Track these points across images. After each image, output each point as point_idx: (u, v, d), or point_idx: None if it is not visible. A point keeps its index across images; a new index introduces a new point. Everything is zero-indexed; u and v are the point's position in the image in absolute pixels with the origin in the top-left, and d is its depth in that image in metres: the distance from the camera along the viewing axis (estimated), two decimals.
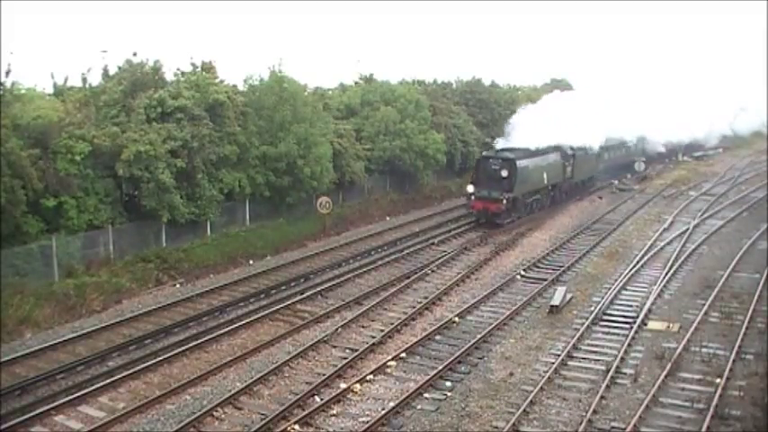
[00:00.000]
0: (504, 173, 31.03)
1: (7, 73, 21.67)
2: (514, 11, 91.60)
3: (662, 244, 28.35)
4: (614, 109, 36.03)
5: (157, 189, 23.13)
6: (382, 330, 18.80)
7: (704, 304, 20.63)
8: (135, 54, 25.99)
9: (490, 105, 46.06)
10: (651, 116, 38.43)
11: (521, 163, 31.63)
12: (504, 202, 30.73)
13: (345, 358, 16.88)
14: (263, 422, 13.62)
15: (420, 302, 21.09)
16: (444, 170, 40.68)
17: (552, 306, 20.39)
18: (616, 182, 44.79)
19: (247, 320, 19.39)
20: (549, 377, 15.71)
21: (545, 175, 34.37)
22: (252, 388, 15.27)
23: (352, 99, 37.31)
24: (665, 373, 15.82)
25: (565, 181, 37.29)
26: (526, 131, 33.55)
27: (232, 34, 58.52)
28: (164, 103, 24.47)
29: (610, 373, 15.82)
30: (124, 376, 15.66)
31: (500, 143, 35.48)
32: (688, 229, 30.71)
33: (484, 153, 34.33)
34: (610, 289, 22.13)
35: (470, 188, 31.71)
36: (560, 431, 13.69)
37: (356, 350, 17.37)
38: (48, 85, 26.37)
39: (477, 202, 31.53)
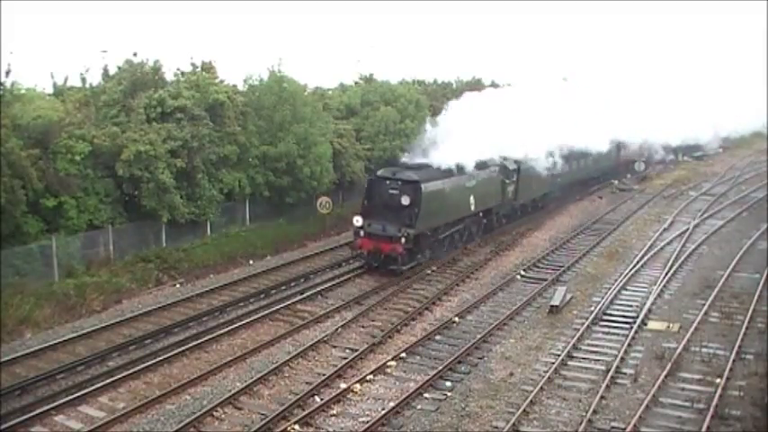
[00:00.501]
0: (405, 200, 23.19)
1: (7, 73, 21.72)
2: (514, 11, 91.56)
3: (662, 244, 28.35)
4: (592, 108, 29.23)
5: (157, 189, 23.13)
6: (382, 330, 18.81)
7: (704, 304, 20.65)
8: (135, 54, 26.03)
9: None
10: (645, 118, 34.01)
11: (429, 186, 23.68)
12: (403, 240, 22.77)
13: (345, 358, 16.89)
14: (264, 422, 13.62)
15: (420, 302, 21.11)
16: None
17: (552, 306, 20.39)
18: (616, 182, 44.79)
19: (247, 320, 19.38)
20: (549, 377, 15.72)
21: (472, 199, 26.54)
22: (252, 388, 15.27)
23: (352, 99, 37.30)
24: (665, 373, 15.83)
25: (504, 203, 29.84)
26: (449, 141, 25.71)
27: (232, 34, 58.46)
28: (164, 103, 24.47)
29: (610, 373, 15.83)
30: (124, 376, 15.66)
31: (410, 157, 27.33)
32: (688, 230, 30.71)
33: (379, 172, 25.12)
34: (610, 289, 22.14)
35: (358, 220, 23.55)
36: (560, 431, 13.70)
37: (356, 350, 17.39)
38: (48, 85, 26.43)
39: (365, 240, 23.45)
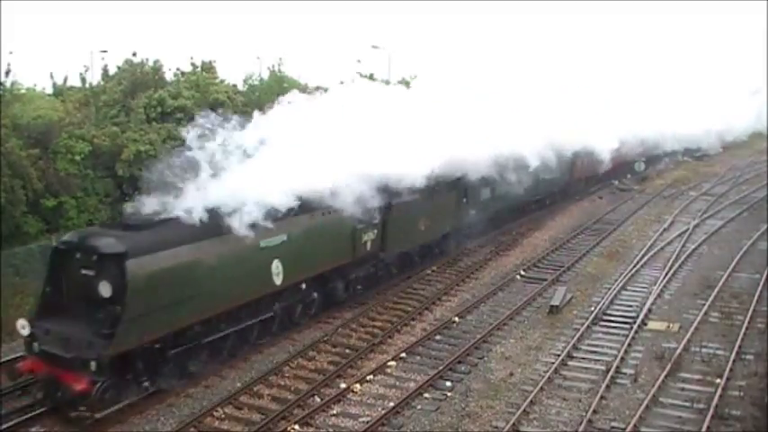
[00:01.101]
0: (105, 288, 12.96)
1: (7, 73, 21.79)
2: (514, 11, 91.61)
3: (662, 244, 28.33)
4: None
5: None
6: (383, 330, 18.81)
7: (704, 304, 20.63)
8: (135, 54, 26.09)
9: None
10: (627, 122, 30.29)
11: (148, 262, 13.09)
12: (93, 367, 12.46)
13: (346, 358, 16.89)
14: (264, 422, 13.62)
15: (420, 302, 21.10)
16: None
17: (552, 306, 20.39)
18: (616, 182, 44.76)
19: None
20: (549, 377, 15.71)
21: (277, 267, 16.21)
22: (252, 388, 15.27)
23: None
24: (664, 373, 15.82)
25: (359, 260, 19.72)
26: (242, 169, 15.08)
27: (232, 34, 58.54)
28: (164, 102, 24.51)
29: (610, 373, 15.82)
30: None
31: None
32: (688, 230, 30.69)
33: (66, 236, 14.56)
34: (610, 289, 22.12)
35: (24, 326, 13.35)
36: (560, 431, 13.69)
37: (356, 350, 17.39)
38: (48, 85, 26.51)
39: (36, 361, 13.28)
